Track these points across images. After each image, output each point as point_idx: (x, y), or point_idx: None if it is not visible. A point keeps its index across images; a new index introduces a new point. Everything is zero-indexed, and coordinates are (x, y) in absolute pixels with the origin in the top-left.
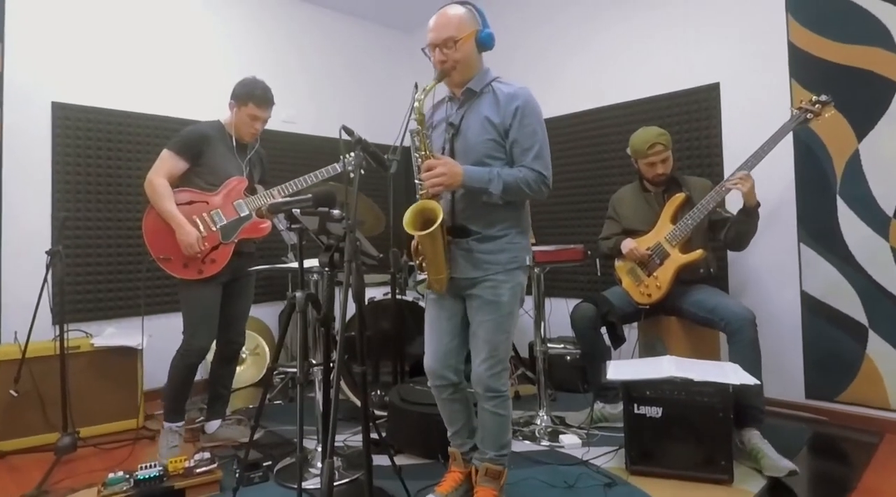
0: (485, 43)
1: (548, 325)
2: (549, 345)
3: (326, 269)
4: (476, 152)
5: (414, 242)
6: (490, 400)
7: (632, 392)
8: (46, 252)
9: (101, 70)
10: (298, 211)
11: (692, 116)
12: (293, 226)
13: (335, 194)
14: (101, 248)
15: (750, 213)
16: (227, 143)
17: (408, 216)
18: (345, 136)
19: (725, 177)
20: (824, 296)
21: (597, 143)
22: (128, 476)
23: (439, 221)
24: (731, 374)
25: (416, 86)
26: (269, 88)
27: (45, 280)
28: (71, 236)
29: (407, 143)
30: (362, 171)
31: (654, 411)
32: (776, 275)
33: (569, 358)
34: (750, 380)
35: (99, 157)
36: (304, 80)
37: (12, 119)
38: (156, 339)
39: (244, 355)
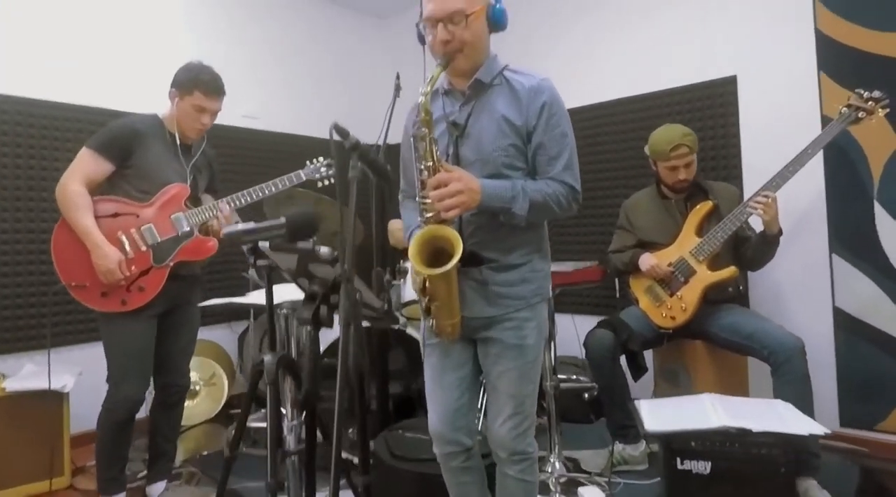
0: (498, 21)
1: (556, 348)
2: (559, 376)
3: (309, 326)
4: (493, 162)
5: (419, 279)
6: (516, 464)
7: (673, 444)
8: None
9: (15, 50)
10: (268, 245)
11: (705, 113)
12: (259, 262)
13: (315, 218)
14: (20, 264)
15: (770, 241)
16: (166, 141)
17: (414, 248)
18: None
19: (743, 183)
20: (860, 313)
21: (598, 142)
22: None
23: (459, 256)
24: (787, 417)
25: (397, 77)
26: (218, 75)
27: None
28: None
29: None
30: (332, 180)
31: (702, 467)
32: (805, 289)
33: (586, 395)
34: (817, 428)
35: (14, 155)
36: (268, 71)
37: None
38: (90, 374)
39: (197, 387)
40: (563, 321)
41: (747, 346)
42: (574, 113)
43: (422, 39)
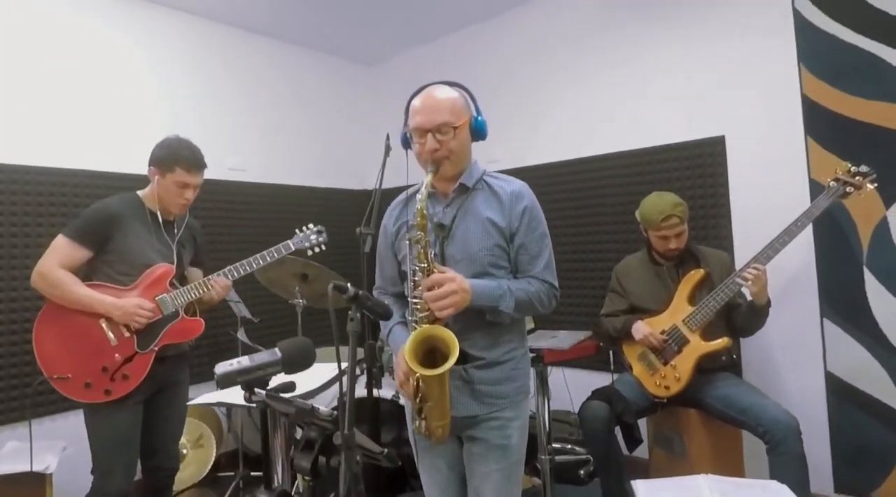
0: (480, 131)
1: (549, 413)
2: (555, 445)
3: (307, 477)
4: (479, 262)
5: (412, 380)
6: None
7: None
8: None
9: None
10: (264, 393)
11: (695, 172)
12: (254, 398)
13: (311, 349)
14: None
15: (758, 312)
16: (146, 220)
17: (410, 348)
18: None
19: (733, 242)
20: (853, 378)
21: (585, 196)
22: None
23: (457, 355)
24: None
25: (387, 138)
26: (197, 148)
27: None
28: None
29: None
30: (323, 247)
31: None
32: (796, 353)
33: (582, 472)
34: None
35: None
36: (254, 121)
37: None
38: (76, 445)
39: (185, 451)
40: (554, 374)
41: (742, 421)
42: (564, 166)
43: (405, 143)
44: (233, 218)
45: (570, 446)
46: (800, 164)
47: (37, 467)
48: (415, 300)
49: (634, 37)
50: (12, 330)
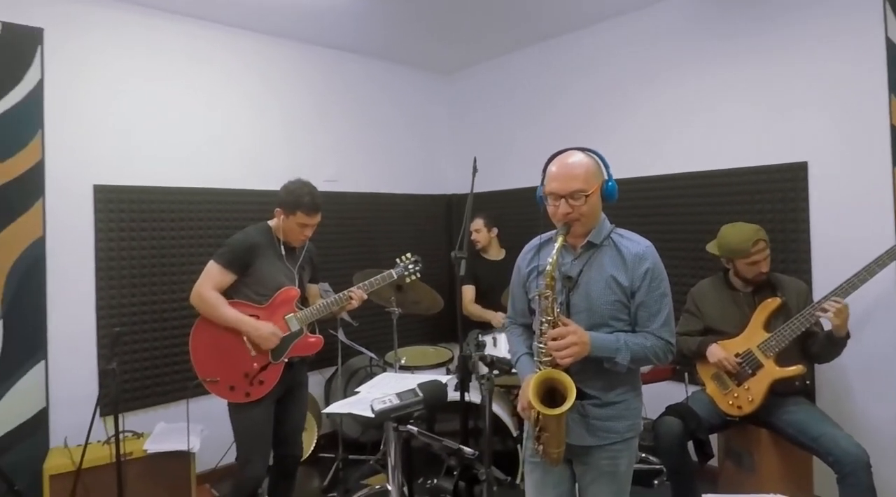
0: (610, 195)
1: None
2: None
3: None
4: (600, 314)
5: (533, 412)
6: None
7: None
8: (101, 371)
9: (138, 149)
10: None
11: (775, 196)
12: (401, 428)
13: (445, 390)
14: (148, 331)
15: (836, 342)
16: (276, 248)
17: (533, 387)
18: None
19: (812, 271)
20: None
21: (657, 213)
22: None
23: (573, 401)
24: None
25: (475, 160)
26: (316, 192)
27: (98, 403)
28: (117, 324)
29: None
30: (418, 275)
31: None
32: (872, 381)
33: (656, 482)
34: None
35: (143, 238)
36: (345, 136)
37: (55, 204)
38: (212, 427)
39: None
40: None
41: (813, 449)
42: (633, 183)
43: (540, 200)
44: (331, 226)
45: (643, 455)
46: (886, 198)
47: (186, 447)
48: (540, 346)
49: (713, 53)
50: (173, 324)
